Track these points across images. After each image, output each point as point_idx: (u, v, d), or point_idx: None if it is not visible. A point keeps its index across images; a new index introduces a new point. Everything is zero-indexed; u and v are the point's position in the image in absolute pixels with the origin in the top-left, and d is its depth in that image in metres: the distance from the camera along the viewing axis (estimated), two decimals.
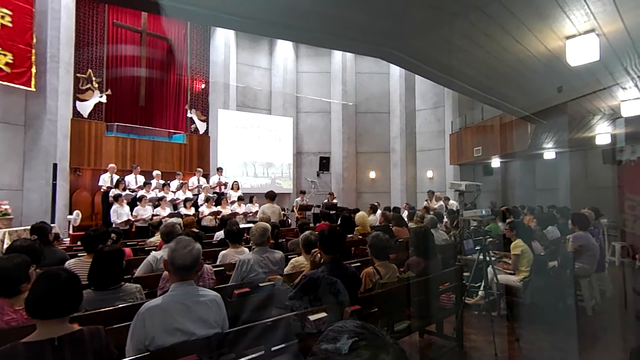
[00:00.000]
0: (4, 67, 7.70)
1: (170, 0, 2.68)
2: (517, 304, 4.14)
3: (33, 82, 8.17)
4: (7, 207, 7.58)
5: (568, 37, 3.57)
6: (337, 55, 14.14)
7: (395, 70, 14.08)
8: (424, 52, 4.05)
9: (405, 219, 6.82)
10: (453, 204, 9.93)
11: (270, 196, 6.94)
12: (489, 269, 3.88)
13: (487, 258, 3.73)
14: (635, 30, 3.43)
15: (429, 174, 13.92)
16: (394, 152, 14.32)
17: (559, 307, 4.48)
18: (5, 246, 6.16)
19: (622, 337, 3.99)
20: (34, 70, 8.19)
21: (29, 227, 5.65)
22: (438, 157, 13.73)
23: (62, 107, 8.85)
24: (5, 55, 7.70)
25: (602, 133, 8.02)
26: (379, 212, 8.28)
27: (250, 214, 9.07)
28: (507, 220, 5.22)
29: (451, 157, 12.90)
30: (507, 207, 7.70)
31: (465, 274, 4.00)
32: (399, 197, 13.78)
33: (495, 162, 12.11)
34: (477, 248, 3.99)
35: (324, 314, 2.32)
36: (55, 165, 8.42)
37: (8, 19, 7.76)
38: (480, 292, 4.45)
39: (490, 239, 4.47)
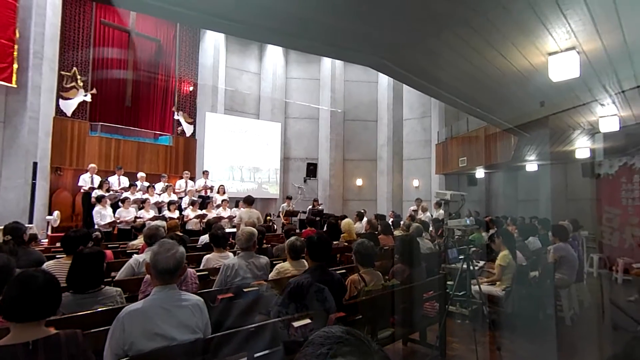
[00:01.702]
0: None
1: (161, 1, 2.66)
2: (499, 313, 4.21)
3: (14, 79, 7.97)
4: None
5: (550, 54, 3.69)
6: (327, 62, 14.25)
7: (384, 79, 14.28)
8: (412, 62, 4.12)
9: (388, 226, 6.86)
10: (428, 215, 10.07)
11: (248, 201, 6.87)
12: (473, 279, 3.93)
13: (471, 267, 3.78)
14: (613, 49, 3.57)
15: (415, 182, 14.07)
16: (381, 160, 14.45)
17: (539, 316, 4.56)
18: None
19: (599, 347, 4.09)
20: (15, 66, 7.99)
21: (1, 227, 5.47)
22: (424, 166, 13.91)
23: (45, 105, 8.64)
24: None
25: (582, 147, 8.28)
26: (365, 219, 8.31)
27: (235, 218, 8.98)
28: (493, 231, 5.31)
29: (437, 166, 13.09)
30: (490, 217, 7.84)
31: (449, 282, 4.04)
32: (385, 205, 13.88)
33: (480, 173, 12.35)
34: (461, 257, 4.04)
35: (308, 321, 2.31)
36: (35, 164, 8.19)
37: None
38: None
39: (474, 249, 4.54)
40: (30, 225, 6.93)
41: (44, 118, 8.57)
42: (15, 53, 7.98)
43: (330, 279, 2.69)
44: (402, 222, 7.67)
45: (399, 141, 14.41)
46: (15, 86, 8.01)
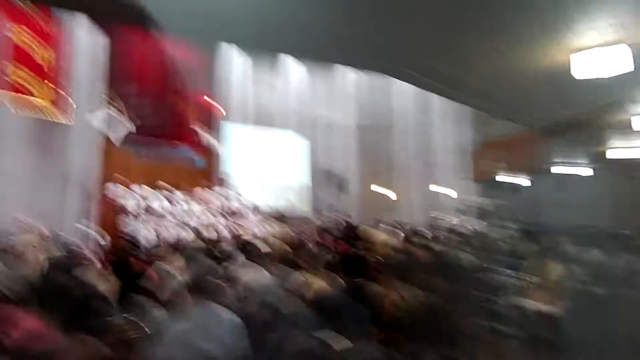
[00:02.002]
0: (47, 106, 8.18)
1: (182, 21, 2.77)
2: (555, 333, 3.87)
3: (72, 116, 8.62)
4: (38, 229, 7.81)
5: (588, 48, 3.47)
6: (350, 73, 14.23)
7: (408, 88, 14.05)
8: (437, 70, 4.04)
9: (426, 240, 6.64)
10: (465, 226, 9.67)
11: (280, 218, 6.89)
12: (523, 295, 3.67)
13: (518, 281, 3.54)
14: None
15: (449, 192, 13.64)
16: (410, 169, 14.15)
17: (607, 338, 4.14)
18: None
19: None
20: (73, 105, 8.63)
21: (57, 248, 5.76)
22: (456, 174, 13.47)
23: (96, 136, 9.24)
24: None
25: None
26: (398, 232, 8.10)
27: (266, 235, 9.04)
28: (539, 241, 5.00)
29: (470, 173, 12.63)
30: (537, 227, 7.39)
31: (494, 297, 3.80)
32: (417, 216, 13.51)
33: (520, 179, 11.75)
34: (506, 270, 3.81)
35: (347, 343, 2.23)
36: (86, 189, 8.69)
37: (53, 61, 8.25)
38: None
39: (520, 261, 4.24)
40: (79, 246, 7.30)
41: (94, 148, 9.14)
42: (73, 94, 8.65)
43: (365, 296, 2.61)
44: (437, 234, 7.41)
45: (428, 149, 14.07)
46: (72, 123, 8.66)
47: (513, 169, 10.43)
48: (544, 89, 4.56)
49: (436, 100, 13.85)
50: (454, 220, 10.16)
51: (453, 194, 13.52)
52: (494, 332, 3.43)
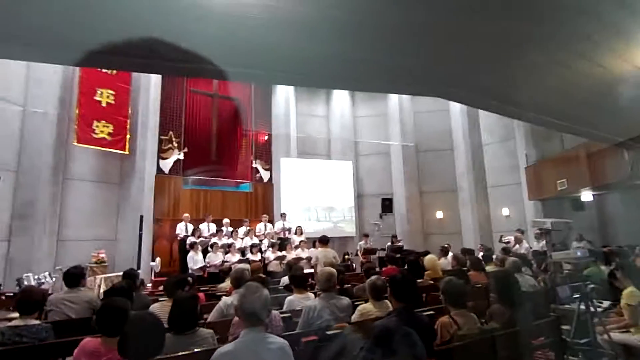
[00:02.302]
0: (106, 137, 9.09)
1: (236, 66, 2.98)
2: None
3: (127, 147, 9.46)
4: (103, 255, 8.53)
5: None
6: (394, 97, 14.27)
7: (456, 106, 13.74)
8: (487, 87, 3.90)
9: (480, 262, 6.26)
10: (526, 247, 8.97)
11: (324, 240, 6.85)
12: (597, 323, 3.28)
13: (591, 309, 3.19)
14: None
15: (505, 211, 12.84)
16: (462, 190, 13.58)
17: None
18: (102, 290, 6.84)
19: None
20: (128, 136, 9.51)
21: (120, 273, 6.26)
22: (514, 192, 12.68)
23: (149, 166, 10.03)
24: (108, 126, 9.12)
25: None
26: (450, 254, 7.74)
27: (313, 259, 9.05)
28: (612, 264, 4.49)
29: (529, 192, 11.82)
30: (610, 248, 6.67)
31: (564, 327, 3.44)
32: (471, 238, 12.82)
33: (586, 196, 10.76)
34: (576, 296, 3.44)
35: None
36: (141, 218, 9.35)
37: (112, 98, 9.30)
38: None
39: (592, 286, 3.81)
40: (138, 271, 7.81)
41: (148, 177, 9.92)
42: (128, 126, 9.54)
43: (418, 322, 2.50)
44: (494, 256, 6.96)
45: (481, 168, 13.47)
46: (127, 153, 9.49)
47: (576, 185, 9.59)
48: (620, 102, 4.21)
49: (484, 118, 13.40)
50: (513, 241, 9.49)
51: (511, 213, 12.71)
52: None
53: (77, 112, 8.74)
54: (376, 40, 2.79)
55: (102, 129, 9.02)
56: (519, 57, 3.21)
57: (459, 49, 3.04)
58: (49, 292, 5.05)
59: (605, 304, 4.28)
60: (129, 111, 9.62)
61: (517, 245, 9.09)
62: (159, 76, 10.56)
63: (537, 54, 3.14)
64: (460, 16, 2.57)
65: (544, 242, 6.76)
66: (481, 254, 8.04)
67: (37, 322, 2.97)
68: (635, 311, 3.58)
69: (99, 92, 9.08)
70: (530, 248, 8.90)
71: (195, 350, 2.45)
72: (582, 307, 3.21)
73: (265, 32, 2.57)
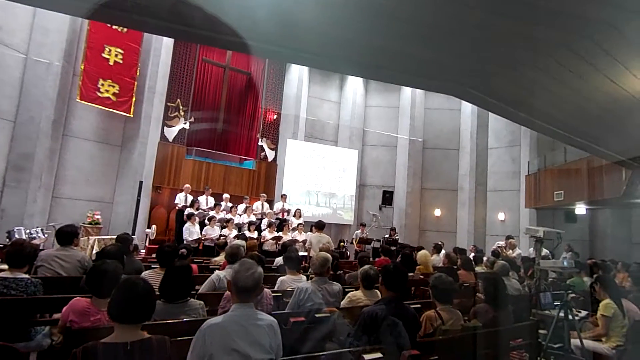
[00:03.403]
0: (111, 97, 8.97)
1: (256, 41, 2.95)
2: None
3: (132, 110, 9.37)
4: (99, 217, 8.59)
5: None
6: (407, 90, 14.16)
7: (467, 107, 13.65)
8: (503, 91, 3.88)
9: (470, 262, 6.36)
10: (519, 252, 9.09)
11: (319, 226, 6.91)
12: (573, 330, 3.40)
13: (570, 317, 3.28)
14: None
15: (501, 216, 12.93)
16: (462, 190, 13.63)
17: None
18: (94, 251, 6.91)
19: None
20: (134, 99, 9.41)
21: (114, 237, 6.32)
22: (511, 199, 12.74)
23: (152, 132, 9.96)
24: (114, 86, 8.99)
25: None
26: (443, 252, 7.82)
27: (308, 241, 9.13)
28: (595, 276, 4.59)
29: (527, 200, 11.89)
30: (595, 261, 6.81)
31: (541, 331, 3.55)
32: (465, 238, 12.94)
33: (580, 209, 10.87)
34: (557, 303, 3.54)
35: (379, 355, 2.21)
36: (141, 183, 9.39)
37: (120, 57, 9.11)
38: None
39: (573, 295, 3.93)
40: (133, 236, 7.90)
41: (150, 143, 9.88)
42: (135, 88, 9.43)
43: (405, 313, 2.56)
44: (485, 258, 7.05)
45: (483, 171, 13.48)
46: (132, 116, 9.41)
47: (572, 198, 9.65)
48: (636, 117, 4.18)
49: (493, 122, 13.34)
50: (504, 245, 9.59)
51: (507, 218, 12.80)
52: None
53: (82, 67, 8.54)
54: (403, 30, 2.76)
55: (107, 88, 8.89)
56: (539, 64, 3.18)
57: (483, 49, 3.01)
58: (41, 248, 5.08)
59: (583, 313, 4.45)
60: (137, 73, 9.48)
61: (510, 250, 9.19)
62: (171, 40, 10.37)
63: (556, 63, 3.12)
64: (489, 15, 2.54)
65: (532, 249, 6.84)
66: (472, 254, 8.14)
67: (27, 276, 2.98)
68: (608, 322, 3.76)
69: (107, 49, 8.91)
70: (520, 254, 9.01)
71: (185, 319, 2.52)
72: (562, 314, 3.30)
73: (290, 8, 2.53)
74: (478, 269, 6.04)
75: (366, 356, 2.15)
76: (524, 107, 4.29)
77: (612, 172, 8.05)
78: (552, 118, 4.54)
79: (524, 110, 4.40)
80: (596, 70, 3.22)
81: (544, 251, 8.98)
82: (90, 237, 7.72)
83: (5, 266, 3.10)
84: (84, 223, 8.26)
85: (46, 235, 6.84)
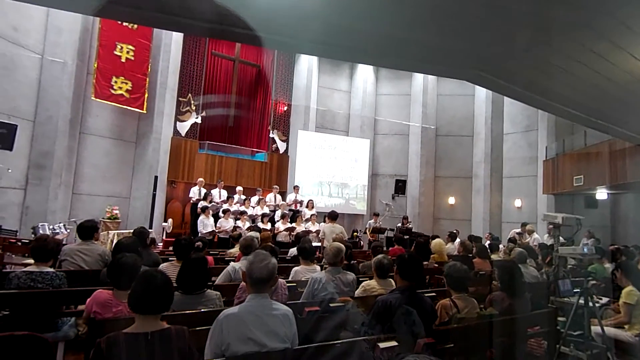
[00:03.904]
0: (124, 94, 9.11)
1: (263, 32, 2.93)
2: None
3: (145, 106, 9.50)
4: (117, 212, 8.81)
5: None
6: (419, 77, 13.92)
7: (482, 92, 13.34)
8: (518, 74, 3.76)
9: (486, 250, 6.29)
10: (537, 238, 8.94)
11: (332, 216, 6.89)
12: (594, 317, 3.34)
13: (590, 304, 3.22)
14: None
15: (517, 202, 12.70)
16: (477, 177, 13.41)
17: None
18: (113, 246, 7.10)
19: None
20: (146, 95, 9.53)
21: (132, 231, 6.48)
22: (528, 185, 12.49)
23: (165, 127, 10.10)
24: (126, 83, 9.12)
25: None
26: (458, 240, 7.76)
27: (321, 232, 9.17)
28: (617, 262, 4.48)
29: (544, 185, 11.62)
30: (617, 247, 6.64)
31: (560, 318, 3.50)
32: (480, 226, 12.77)
33: (601, 194, 10.57)
34: (576, 290, 3.48)
35: (394, 343, 2.22)
36: (156, 178, 9.56)
37: (132, 53, 9.22)
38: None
39: (594, 282, 3.85)
40: (150, 230, 8.08)
41: (164, 138, 10.02)
42: (147, 85, 9.54)
43: (420, 302, 2.56)
44: (502, 246, 6.96)
45: (498, 157, 13.22)
46: (145, 112, 9.54)
47: (593, 182, 9.39)
48: None
49: (508, 106, 13.03)
50: (520, 232, 9.44)
51: (523, 205, 12.57)
52: (557, 354, 3.16)
53: (95, 65, 8.69)
54: (411, 15, 2.70)
55: (120, 85, 9.02)
56: (556, 45, 3.07)
57: (497, 31, 2.92)
58: (64, 243, 5.26)
59: (604, 300, 4.35)
60: (149, 69, 9.58)
61: (528, 236, 9.05)
62: (181, 35, 10.42)
63: (575, 42, 3.00)
64: None
65: (553, 236, 6.71)
66: (488, 242, 8.05)
67: (52, 269, 3.10)
68: (631, 309, 3.70)
69: (118, 46, 9.02)
70: (538, 239, 8.89)
71: (202, 309, 2.57)
72: (581, 301, 3.24)
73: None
74: (494, 256, 5.97)
75: (381, 344, 2.17)
76: (540, 90, 4.16)
77: (636, 155, 7.78)
78: (570, 100, 4.40)
79: (541, 93, 4.27)
80: (618, 48, 3.09)
81: (535, 236, 8.90)
82: (109, 231, 7.94)
83: (31, 260, 3.22)
84: (103, 218, 8.49)
85: (68, 231, 7.07)
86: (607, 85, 3.82)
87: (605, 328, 3.47)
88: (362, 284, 3.49)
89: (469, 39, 3.08)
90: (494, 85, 4.16)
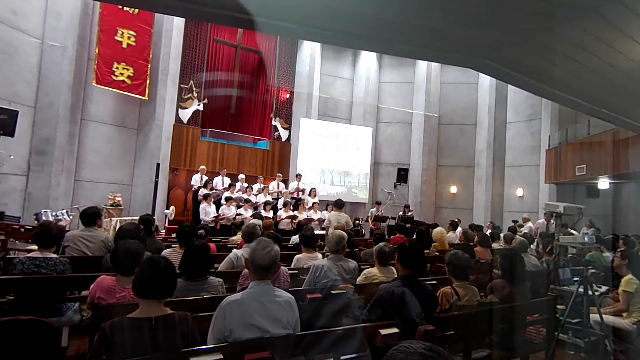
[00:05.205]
0: (126, 80, 9.04)
1: (265, 17, 2.88)
2: (627, 351, 3.52)
3: (147, 92, 9.44)
4: (119, 199, 8.84)
5: None
6: (422, 65, 13.76)
7: (485, 80, 13.20)
8: (522, 61, 3.70)
9: (487, 238, 6.31)
10: (530, 226, 9.00)
11: (338, 204, 6.91)
12: (592, 306, 3.37)
13: (589, 292, 3.25)
14: None
15: (519, 192, 12.69)
16: (479, 166, 13.38)
17: None
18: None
19: None
20: (148, 82, 9.46)
21: (135, 218, 6.51)
22: (530, 174, 12.46)
23: (167, 114, 10.05)
24: (128, 69, 9.04)
25: None
26: (459, 229, 7.78)
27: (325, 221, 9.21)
28: (618, 250, 4.50)
29: (547, 174, 11.59)
30: (617, 236, 6.66)
31: (559, 306, 3.54)
32: (482, 214, 12.80)
33: (603, 183, 10.55)
34: (576, 279, 3.50)
35: (396, 330, 2.24)
36: (158, 165, 9.56)
37: (133, 39, 9.12)
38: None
39: (593, 270, 3.88)
40: (153, 217, 8.13)
41: (166, 125, 9.98)
42: (148, 71, 9.46)
43: (421, 289, 2.58)
44: (502, 235, 6.99)
45: (501, 146, 13.15)
46: (147, 99, 9.49)
47: (595, 172, 9.35)
48: None
49: (512, 95, 12.90)
50: (523, 221, 9.47)
51: (525, 194, 12.56)
52: (555, 341, 3.19)
53: (96, 50, 8.59)
54: (417, 0, 2.64)
55: (121, 71, 8.95)
56: (561, 32, 3.01)
57: (502, 17, 2.86)
58: (67, 229, 5.30)
59: (604, 288, 4.39)
60: (150, 55, 9.49)
61: (532, 226, 9.10)
62: (182, 21, 10.29)
63: (581, 29, 2.94)
64: None
65: (555, 225, 6.73)
66: (489, 231, 8.08)
67: (55, 255, 3.13)
68: (630, 297, 3.73)
69: (119, 31, 8.91)
70: (531, 227, 8.96)
71: (205, 296, 2.60)
72: (581, 289, 3.27)
73: None
74: (495, 245, 6.00)
75: (382, 331, 2.19)
76: (544, 78, 4.10)
77: (639, 144, 7.73)
78: (574, 89, 4.34)
79: (545, 81, 4.21)
80: (625, 35, 3.03)
81: (529, 224, 8.96)
82: (112, 218, 7.98)
83: (35, 247, 3.24)
84: (105, 205, 8.53)
85: (71, 217, 7.11)
86: (612, 73, 3.77)
87: (603, 316, 3.50)
88: (364, 271, 3.52)
89: (473, 26, 3.02)
90: (498, 73, 4.09)
